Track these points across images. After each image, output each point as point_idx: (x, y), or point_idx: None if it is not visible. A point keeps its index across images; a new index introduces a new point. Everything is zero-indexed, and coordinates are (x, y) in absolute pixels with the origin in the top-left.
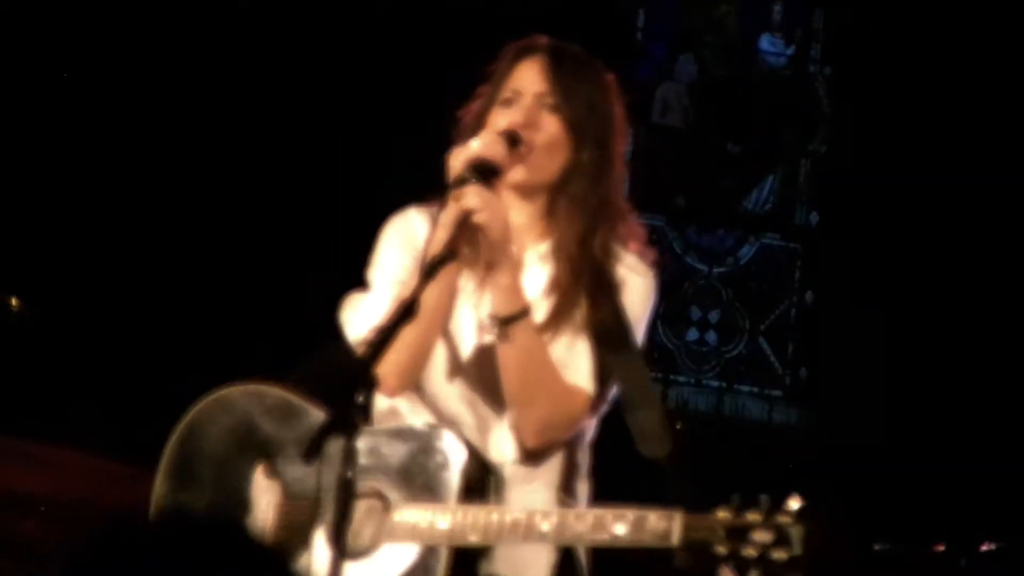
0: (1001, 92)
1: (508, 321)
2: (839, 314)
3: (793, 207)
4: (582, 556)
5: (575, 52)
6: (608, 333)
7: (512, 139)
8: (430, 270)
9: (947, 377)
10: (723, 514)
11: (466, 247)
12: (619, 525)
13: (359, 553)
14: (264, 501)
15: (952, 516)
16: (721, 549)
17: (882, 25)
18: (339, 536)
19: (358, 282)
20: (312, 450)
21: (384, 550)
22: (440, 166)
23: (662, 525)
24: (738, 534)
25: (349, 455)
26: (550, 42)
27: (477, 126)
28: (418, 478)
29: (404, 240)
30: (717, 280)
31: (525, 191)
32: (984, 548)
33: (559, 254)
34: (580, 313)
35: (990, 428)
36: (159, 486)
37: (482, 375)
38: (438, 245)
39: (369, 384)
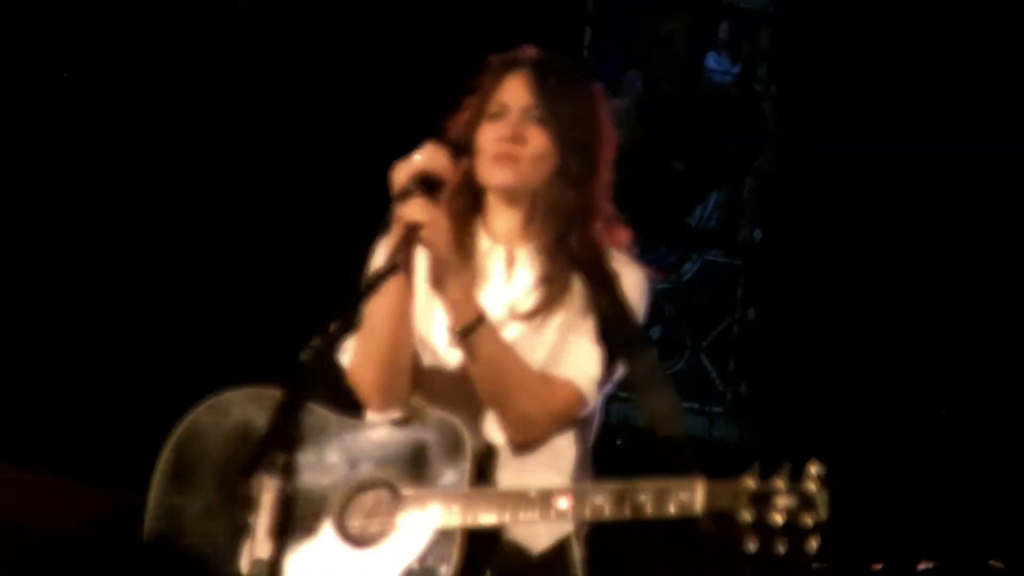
0: (946, 108)
1: (467, 332)
2: (781, 331)
3: (737, 224)
4: (575, 550)
5: (560, 64)
6: (610, 319)
7: (460, 152)
8: (373, 284)
9: (887, 394)
10: (747, 481)
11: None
12: (641, 495)
13: (369, 542)
14: (266, 498)
15: (891, 534)
16: (746, 516)
17: (828, 44)
18: (279, 547)
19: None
20: (251, 466)
21: (395, 538)
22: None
23: (685, 494)
24: (762, 500)
25: (288, 470)
26: (536, 55)
27: (465, 139)
28: (429, 467)
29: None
30: (660, 296)
31: (511, 196)
32: (921, 567)
33: (542, 253)
34: (575, 304)
35: (930, 444)
36: (155, 491)
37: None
38: (383, 258)
39: (303, 398)
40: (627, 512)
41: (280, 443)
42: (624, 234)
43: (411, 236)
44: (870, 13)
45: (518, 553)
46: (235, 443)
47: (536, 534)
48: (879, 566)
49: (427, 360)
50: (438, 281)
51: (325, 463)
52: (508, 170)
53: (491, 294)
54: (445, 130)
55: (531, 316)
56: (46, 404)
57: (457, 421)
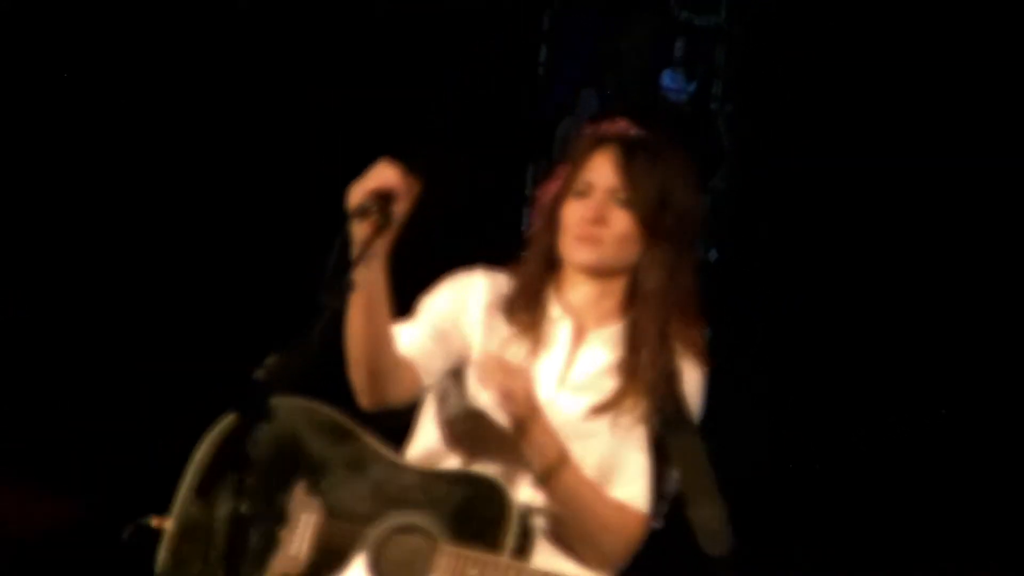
0: (905, 121)
1: (549, 474)
2: (737, 350)
3: None
4: None
5: (649, 140)
6: (669, 422)
7: (412, 168)
8: (330, 301)
9: (847, 414)
10: None
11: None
12: None
13: None
14: (303, 517)
15: (848, 551)
16: None
17: (785, 62)
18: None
19: None
20: (206, 484)
21: None
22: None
23: None
24: None
25: (242, 489)
26: (625, 132)
27: (552, 212)
28: (469, 524)
29: (457, 294)
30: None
31: (596, 272)
32: None
33: (633, 340)
34: (639, 407)
35: (889, 462)
36: (184, 488)
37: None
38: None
39: (261, 417)
40: None
41: (237, 463)
42: (699, 325)
43: (373, 237)
44: (827, 30)
45: None
46: (275, 453)
47: None
48: None
49: (478, 406)
50: (518, 424)
51: (364, 495)
52: (589, 250)
53: (549, 366)
54: (535, 199)
55: (603, 410)
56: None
57: (505, 486)
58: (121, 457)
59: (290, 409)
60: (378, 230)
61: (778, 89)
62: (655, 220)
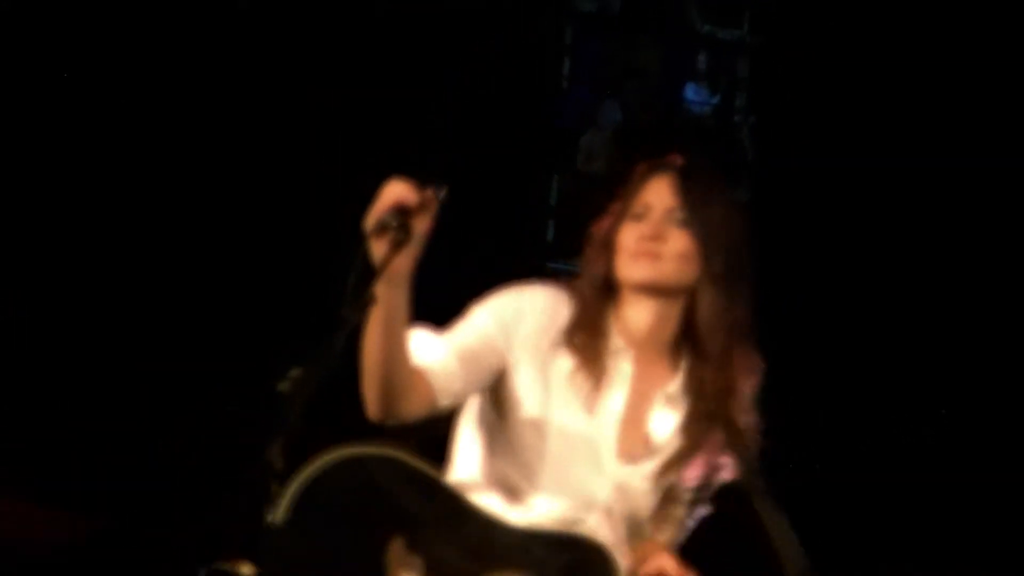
0: (927, 128)
1: None
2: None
3: None
4: None
5: (707, 170)
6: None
7: (424, 182)
8: (349, 316)
9: (864, 409)
10: None
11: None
12: None
13: None
14: (404, 574)
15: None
16: None
17: (808, 74)
18: None
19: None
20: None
21: None
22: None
23: None
24: None
25: (268, 498)
26: (683, 160)
27: (608, 238)
28: None
29: (507, 313)
30: None
31: (655, 290)
32: None
33: (688, 394)
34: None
35: (905, 458)
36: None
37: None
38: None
39: (286, 429)
40: None
41: (270, 477)
42: (756, 364)
43: (393, 251)
44: (850, 41)
45: None
46: (368, 506)
47: None
48: None
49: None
50: None
51: (464, 553)
52: (648, 265)
53: (612, 400)
54: (590, 234)
55: (667, 471)
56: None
57: (612, 554)
58: (125, 464)
59: (379, 460)
60: (397, 245)
61: (801, 100)
62: (713, 241)
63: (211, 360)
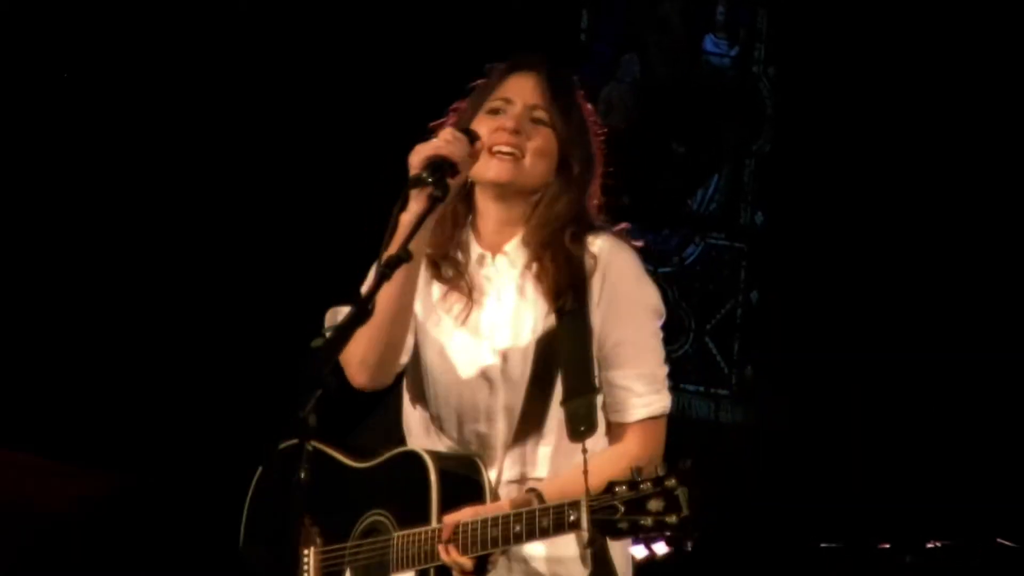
0: (947, 87)
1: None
2: (784, 313)
3: (738, 207)
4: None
5: (567, 76)
6: (568, 325)
7: (472, 138)
8: (387, 270)
9: (890, 377)
10: (620, 488)
11: (448, 267)
12: (544, 519)
13: None
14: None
15: (898, 514)
16: (623, 525)
17: (826, 25)
18: (296, 536)
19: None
20: (266, 461)
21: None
22: None
23: (573, 514)
24: (635, 506)
25: (301, 457)
26: (545, 61)
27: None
28: (409, 503)
29: None
30: (662, 280)
31: (504, 194)
32: (930, 546)
33: (527, 249)
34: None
35: (934, 426)
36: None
37: (476, 396)
38: (395, 245)
39: (321, 384)
40: (526, 536)
41: (305, 433)
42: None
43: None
44: None
45: None
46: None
47: None
48: (887, 545)
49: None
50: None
51: (339, 510)
52: (507, 165)
53: (488, 312)
54: (430, 131)
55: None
56: (43, 388)
57: (422, 453)
58: (155, 424)
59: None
60: (433, 201)
61: (821, 52)
62: (572, 142)
63: (245, 321)
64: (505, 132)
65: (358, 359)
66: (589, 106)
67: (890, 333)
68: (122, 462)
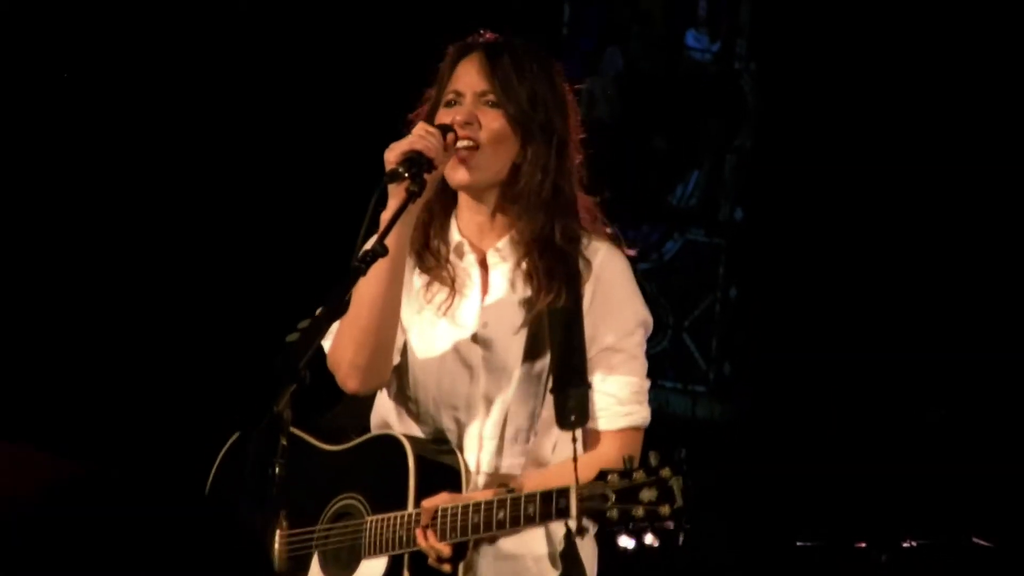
0: (928, 85)
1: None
2: (763, 310)
3: (718, 202)
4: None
5: (514, 46)
6: (561, 320)
7: (446, 131)
8: (362, 265)
9: (868, 374)
10: (612, 477)
11: (430, 257)
12: (530, 506)
13: (342, 575)
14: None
15: (874, 513)
16: (613, 514)
17: (808, 20)
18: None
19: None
20: (238, 451)
21: (364, 568)
22: None
23: (563, 501)
24: (627, 496)
25: (277, 450)
26: (487, 40)
27: None
28: (385, 487)
29: None
30: (641, 276)
31: (477, 192)
32: (906, 545)
33: (518, 246)
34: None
35: (912, 426)
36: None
37: (455, 384)
38: (373, 240)
39: (295, 379)
40: (519, 526)
41: (279, 428)
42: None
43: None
44: None
45: None
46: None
47: None
48: (863, 544)
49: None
50: None
51: (308, 495)
52: (465, 170)
53: (470, 303)
54: (409, 123)
55: (532, 320)
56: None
57: (401, 438)
58: (130, 413)
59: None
60: (410, 196)
61: (802, 48)
62: (526, 118)
63: (222, 313)
64: (458, 126)
65: (348, 363)
66: (557, 65)
67: (869, 331)
68: (90, 451)
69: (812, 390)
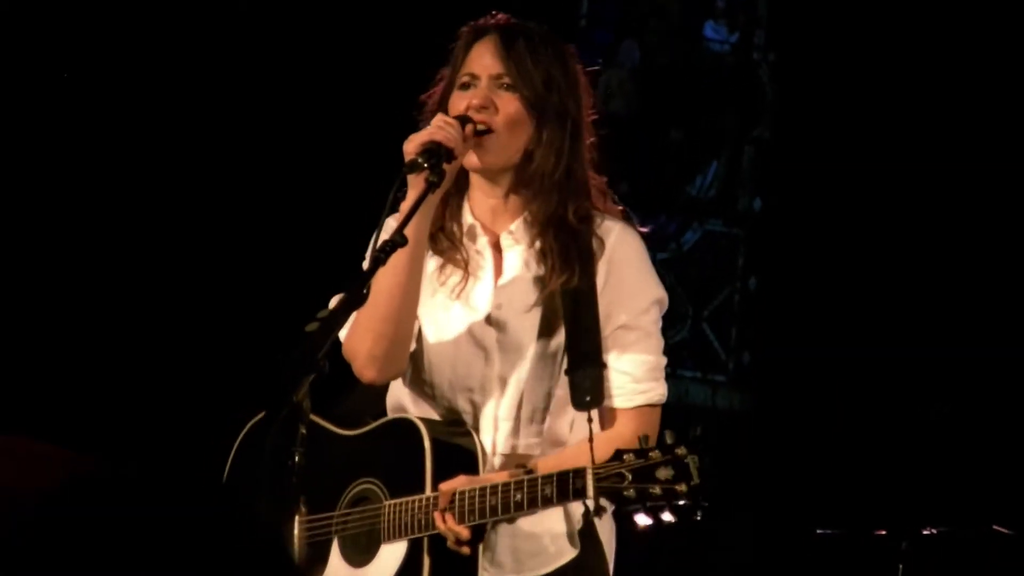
0: (947, 80)
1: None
2: (782, 300)
3: (736, 193)
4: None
5: (528, 29)
6: (575, 300)
7: (465, 122)
8: (381, 255)
9: (888, 365)
10: (628, 456)
11: (444, 239)
12: (547, 487)
13: (362, 560)
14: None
15: (895, 501)
16: (630, 493)
17: (826, 11)
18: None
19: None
20: (254, 440)
21: (383, 553)
22: None
23: (579, 482)
24: (644, 475)
25: (296, 439)
26: (502, 21)
27: (439, 111)
28: (402, 471)
29: None
30: (660, 266)
31: (490, 175)
32: (926, 532)
33: (531, 228)
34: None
35: (931, 417)
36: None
37: (471, 366)
38: (391, 230)
39: (315, 368)
40: (536, 507)
41: (298, 418)
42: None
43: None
44: None
45: None
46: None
47: None
48: (883, 532)
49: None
50: None
51: (325, 479)
52: (479, 153)
53: (484, 285)
54: (422, 104)
55: (545, 299)
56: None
57: (417, 422)
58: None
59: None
60: (429, 186)
61: (821, 38)
62: (541, 101)
63: (242, 303)
64: (473, 110)
65: (365, 353)
66: (570, 48)
67: (887, 323)
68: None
69: (827, 383)
